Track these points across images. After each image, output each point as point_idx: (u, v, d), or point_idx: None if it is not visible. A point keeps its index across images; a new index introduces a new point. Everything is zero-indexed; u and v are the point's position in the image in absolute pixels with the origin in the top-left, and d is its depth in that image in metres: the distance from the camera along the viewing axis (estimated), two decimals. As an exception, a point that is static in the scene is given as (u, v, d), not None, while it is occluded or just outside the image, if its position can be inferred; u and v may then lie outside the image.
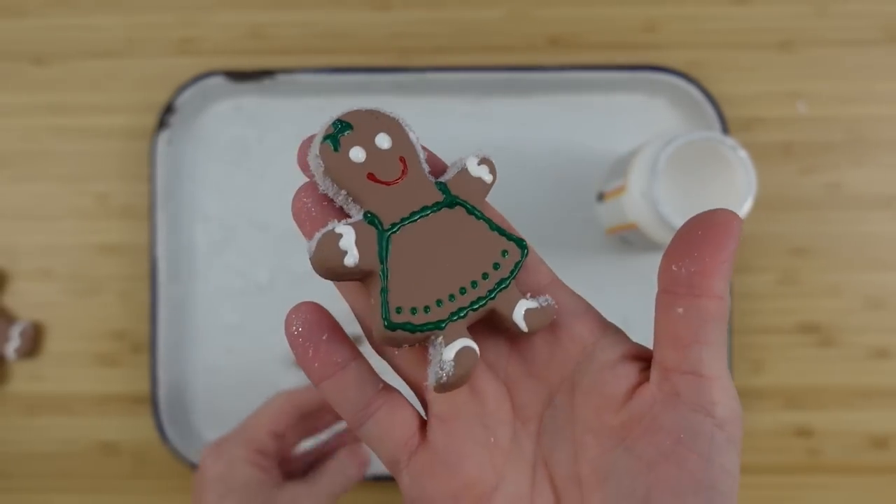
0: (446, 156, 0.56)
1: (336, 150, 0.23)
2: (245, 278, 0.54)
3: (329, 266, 0.23)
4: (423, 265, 0.23)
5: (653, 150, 0.43)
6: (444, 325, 0.23)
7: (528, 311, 0.24)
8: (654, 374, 0.23)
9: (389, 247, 0.23)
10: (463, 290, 0.24)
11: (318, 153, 0.24)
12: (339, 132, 0.24)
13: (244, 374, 0.53)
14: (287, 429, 0.42)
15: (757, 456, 0.53)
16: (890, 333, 0.53)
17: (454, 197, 0.24)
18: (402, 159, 0.24)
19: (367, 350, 0.27)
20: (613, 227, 0.50)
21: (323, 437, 0.47)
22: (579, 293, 0.49)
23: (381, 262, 0.23)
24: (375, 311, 0.23)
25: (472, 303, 0.24)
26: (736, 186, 0.42)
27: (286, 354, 0.53)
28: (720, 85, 0.53)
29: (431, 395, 0.25)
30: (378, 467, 0.52)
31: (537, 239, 0.53)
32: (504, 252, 0.24)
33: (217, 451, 0.41)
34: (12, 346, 0.52)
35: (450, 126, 0.54)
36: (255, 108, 0.54)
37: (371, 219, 0.23)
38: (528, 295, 0.25)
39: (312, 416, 0.44)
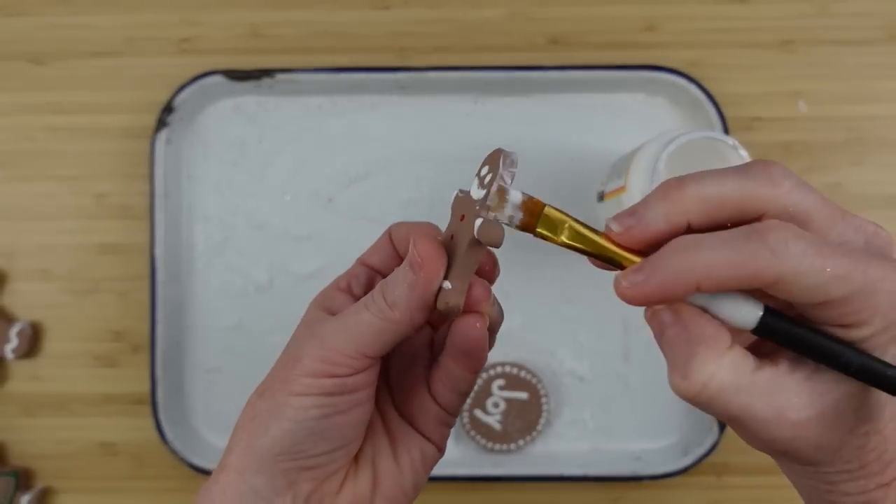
0: (446, 155, 0.57)
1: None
2: (244, 278, 0.54)
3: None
4: None
5: (653, 149, 0.43)
6: None
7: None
8: None
9: None
10: None
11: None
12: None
13: (243, 375, 0.53)
14: (381, 262, 0.32)
15: (758, 456, 0.53)
16: (890, 333, 0.53)
17: None
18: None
19: None
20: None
21: None
22: (580, 293, 0.49)
23: None
24: None
25: None
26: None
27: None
28: (721, 84, 0.53)
29: None
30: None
31: (538, 239, 0.53)
32: None
33: (314, 300, 0.32)
34: (10, 346, 0.52)
35: (450, 126, 0.54)
36: (254, 108, 0.54)
37: None
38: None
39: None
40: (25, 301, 0.54)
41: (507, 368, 0.52)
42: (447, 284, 0.27)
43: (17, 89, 0.54)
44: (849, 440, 0.24)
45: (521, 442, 0.52)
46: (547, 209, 0.26)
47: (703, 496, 0.53)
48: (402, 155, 0.53)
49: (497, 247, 0.26)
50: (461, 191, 0.27)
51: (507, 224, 0.26)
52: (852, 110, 0.53)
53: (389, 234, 0.32)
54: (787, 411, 0.24)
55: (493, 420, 0.52)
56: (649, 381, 0.53)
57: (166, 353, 0.52)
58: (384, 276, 0.30)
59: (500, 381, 0.52)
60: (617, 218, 0.25)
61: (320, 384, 0.27)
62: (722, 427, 0.51)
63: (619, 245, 0.25)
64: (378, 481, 0.30)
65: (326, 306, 0.30)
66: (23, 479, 0.53)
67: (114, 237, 0.54)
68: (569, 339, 0.53)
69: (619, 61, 0.53)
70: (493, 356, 0.53)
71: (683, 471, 0.51)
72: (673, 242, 0.24)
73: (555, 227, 0.26)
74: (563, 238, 0.26)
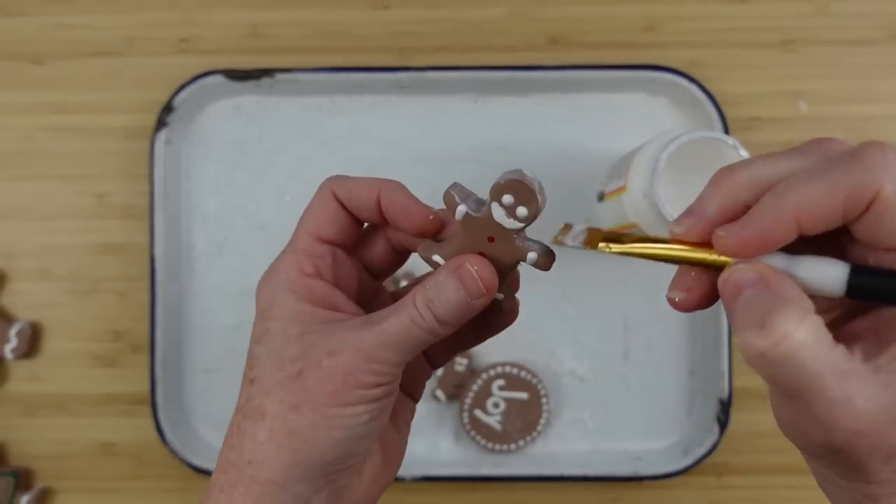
0: (446, 155, 0.56)
1: None
2: (244, 278, 0.53)
3: None
4: None
5: (653, 149, 0.42)
6: None
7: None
8: None
9: None
10: None
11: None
12: None
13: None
14: (339, 234, 0.30)
15: (758, 457, 0.53)
16: (891, 333, 0.53)
17: None
18: None
19: None
20: (614, 228, 0.50)
21: None
22: (580, 293, 0.50)
23: None
24: None
25: None
26: (737, 186, 0.42)
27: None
28: (721, 84, 0.53)
29: None
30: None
31: (538, 239, 0.53)
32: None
33: (266, 273, 0.31)
34: (9, 346, 0.52)
35: (450, 126, 0.53)
36: (254, 108, 0.54)
37: None
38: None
39: (390, 228, 0.31)
40: (25, 301, 0.54)
41: (507, 368, 0.52)
42: (499, 296, 0.29)
43: (17, 89, 0.54)
44: None
45: (521, 442, 0.52)
46: (605, 237, 0.28)
47: (703, 496, 0.53)
48: (402, 155, 0.53)
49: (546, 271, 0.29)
50: (468, 209, 0.27)
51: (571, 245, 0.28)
52: (852, 110, 0.53)
53: (334, 195, 0.30)
54: (857, 398, 0.22)
55: (493, 420, 0.52)
56: (649, 381, 0.53)
57: (166, 353, 0.52)
58: (346, 250, 0.30)
59: (500, 382, 0.52)
60: (676, 221, 0.26)
61: (371, 394, 0.28)
62: (722, 427, 0.51)
63: (688, 244, 0.25)
64: (387, 452, 0.31)
65: (312, 299, 0.29)
66: (22, 480, 0.53)
67: (114, 237, 0.54)
68: (569, 339, 0.53)
69: (619, 61, 0.53)
70: (494, 356, 0.53)
71: (684, 471, 0.51)
72: (767, 193, 0.23)
73: (619, 240, 0.27)
74: (629, 250, 0.27)
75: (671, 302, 0.26)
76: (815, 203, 0.22)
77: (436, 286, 0.28)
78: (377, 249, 0.32)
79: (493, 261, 0.28)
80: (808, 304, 0.22)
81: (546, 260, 0.28)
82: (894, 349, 0.23)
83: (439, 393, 0.52)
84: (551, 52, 0.54)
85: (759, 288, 0.23)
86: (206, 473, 0.51)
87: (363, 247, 0.32)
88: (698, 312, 0.54)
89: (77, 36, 0.54)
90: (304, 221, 0.30)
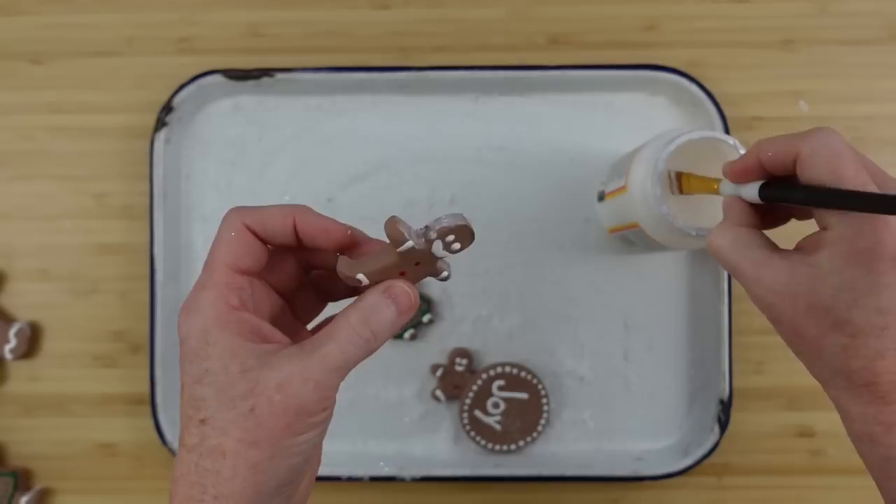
0: (446, 155, 0.56)
1: None
2: (244, 278, 0.53)
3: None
4: None
5: (653, 149, 0.42)
6: None
7: None
8: None
9: None
10: None
11: None
12: None
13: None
14: (255, 263, 0.31)
15: (758, 457, 0.53)
16: (891, 333, 0.53)
17: None
18: None
19: None
20: (614, 227, 0.50)
21: None
22: (580, 293, 0.51)
23: None
24: None
25: None
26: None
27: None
28: (721, 84, 0.53)
29: None
30: (374, 470, 0.52)
31: (538, 239, 0.53)
32: None
33: (187, 309, 0.30)
34: (9, 347, 0.52)
35: (450, 126, 0.53)
36: (253, 108, 0.54)
37: None
38: None
39: (298, 249, 0.33)
40: (24, 301, 0.54)
41: (507, 369, 0.52)
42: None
43: (16, 89, 0.54)
44: (829, 337, 0.30)
45: (521, 442, 0.52)
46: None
47: (703, 497, 0.53)
48: (402, 155, 0.53)
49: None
50: (414, 243, 0.31)
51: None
52: (853, 110, 0.53)
53: (246, 226, 0.31)
54: (765, 278, 0.31)
55: (493, 420, 0.52)
56: (649, 382, 0.53)
57: (166, 353, 0.52)
58: (258, 277, 0.32)
59: (500, 382, 0.52)
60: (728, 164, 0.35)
61: (321, 418, 0.30)
62: (722, 428, 0.51)
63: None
64: (315, 451, 0.34)
65: (245, 333, 0.30)
66: (22, 480, 0.53)
67: (113, 237, 0.54)
68: (569, 339, 0.53)
69: (619, 61, 0.53)
70: (494, 356, 0.53)
71: (684, 471, 0.51)
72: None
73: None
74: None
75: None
76: (772, 152, 0.32)
77: (371, 307, 0.30)
78: (287, 271, 0.33)
79: (411, 276, 0.32)
80: (739, 219, 0.34)
81: (450, 274, 0.33)
82: (805, 247, 0.32)
83: (439, 393, 0.52)
84: (551, 52, 0.54)
85: (725, 207, 0.35)
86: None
87: (272, 271, 0.33)
88: (698, 312, 0.54)
89: (76, 36, 0.54)
90: (217, 253, 0.31)
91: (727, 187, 0.36)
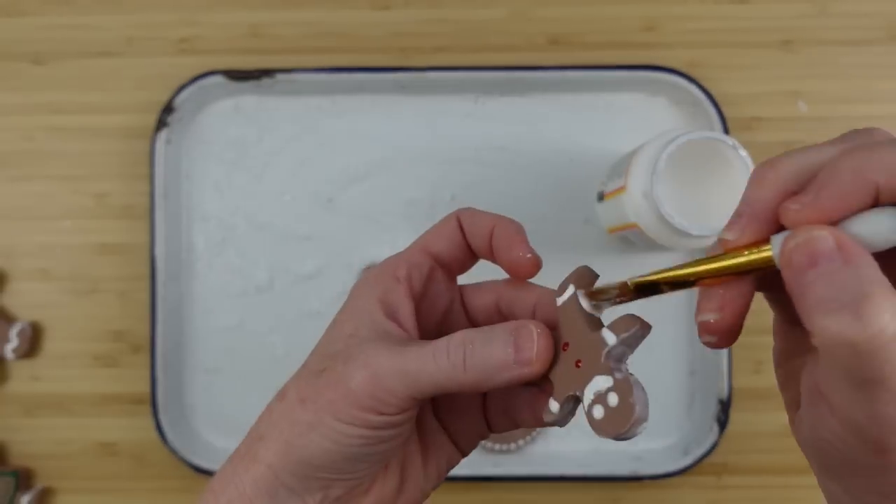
0: (446, 155, 0.56)
1: None
2: (244, 278, 0.54)
3: None
4: None
5: (653, 149, 0.42)
6: None
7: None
8: None
9: None
10: None
11: None
12: None
13: (243, 375, 0.53)
14: (447, 251, 0.30)
15: (758, 456, 0.53)
16: (890, 333, 0.53)
17: None
18: None
19: None
20: (614, 227, 0.50)
21: None
22: None
23: None
24: None
25: None
26: (736, 186, 0.42)
27: (285, 354, 0.53)
28: (720, 84, 0.53)
29: None
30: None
31: (538, 239, 0.53)
32: None
33: (367, 278, 0.29)
34: (10, 346, 0.52)
35: (450, 126, 0.54)
36: (254, 108, 0.54)
37: None
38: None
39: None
40: (25, 301, 0.54)
41: (507, 368, 0.52)
42: (553, 405, 0.28)
43: (17, 89, 0.54)
44: None
45: (521, 442, 0.52)
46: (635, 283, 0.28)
47: (702, 496, 0.53)
48: (402, 155, 0.53)
49: None
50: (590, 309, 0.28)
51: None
52: (852, 110, 0.53)
53: (458, 221, 0.29)
54: None
55: (493, 420, 0.52)
56: (649, 381, 0.53)
57: (166, 353, 0.52)
58: (446, 268, 0.30)
59: (500, 381, 0.52)
60: (727, 228, 0.23)
61: (368, 419, 0.26)
62: (722, 427, 0.51)
63: (744, 247, 0.23)
64: (404, 485, 0.30)
65: (383, 300, 0.28)
66: (23, 479, 0.53)
67: (114, 237, 0.54)
68: (569, 339, 0.53)
69: (618, 61, 0.53)
70: (493, 356, 0.53)
71: (683, 471, 0.51)
72: (837, 157, 0.21)
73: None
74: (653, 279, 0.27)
75: (705, 327, 0.25)
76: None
77: (486, 334, 0.26)
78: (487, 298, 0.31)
79: (565, 359, 0.26)
80: (890, 287, 0.20)
81: (557, 421, 0.27)
82: None
83: (439, 393, 0.52)
84: (551, 52, 0.54)
85: (838, 261, 0.20)
86: (207, 473, 0.51)
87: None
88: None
89: (77, 36, 0.54)
90: (422, 237, 0.30)
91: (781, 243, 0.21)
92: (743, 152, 0.42)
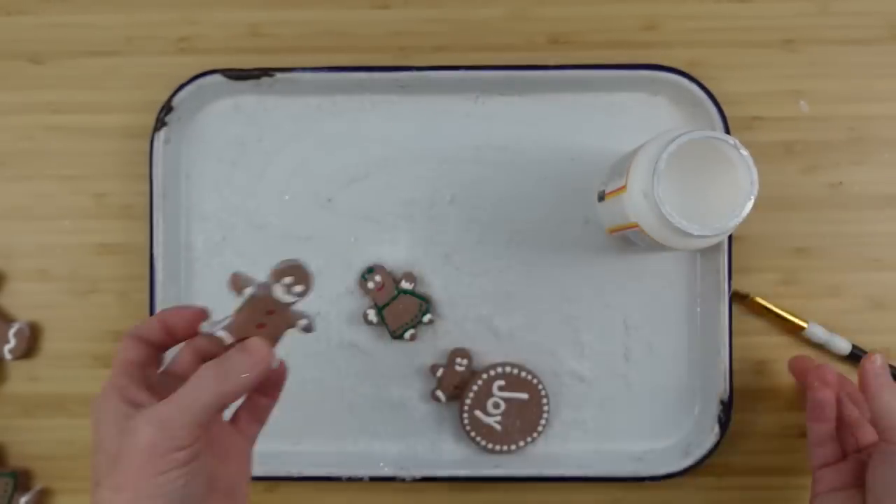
0: (446, 155, 0.56)
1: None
2: (244, 278, 0.53)
3: None
4: None
5: (654, 149, 0.42)
6: None
7: None
8: None
9: None
10: None
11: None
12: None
13: (243, 375, 0.53)
14: (142, 355, 0.37)
15: (758, 457, 0.53)
16: (890, 333, 0.53)
17: None
18: None
19: None
20: (615, 227, 0.50)
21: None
22: (580, 293, 0.50)
23: None
24: None
25: None
26: (738, 186, 0.42)
27: (284, 355, 0.53)
28: (721, 84, 0.53)
29: None
30: (373, 470, 0.52)
31: (538, 239, 0.53)
32: None
33: (94, 407, 0.36)
34: (8, 347, 0.52)
35: (450, 126, 0.53)
36: (253, 108, 0.54)
37: None
38: None
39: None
40: (24, 301, 0.54)
41: (508, 369, 0.52)
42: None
43: (16, 89, 0.54)
44: None
45: (521, 442, 0.52)
46: None
47: (703, 497, 0.53)
48: (402, 155, 0.53)
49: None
50: (253, 290, 0.35)
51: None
52: (853, 110, 0.53)
53: (136, 337, 0.37)
54: None
55: (493, 420, 0.52)
56: (650, 382, 0.53)
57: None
58: (153, 363, 0.37)
59: (501, 382, 0.52)
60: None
61: (176, 458, 0.32)
62: (723, 428, 0.51)
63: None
64: (231, 497, 0.38)
65: (122, 399, 0.34)
66: (21, 480, 0.53)
67: (112, 237, 0.54)
68: (569, 339, 0.53)
69: (619, 60, 0.53)
70: (494, 356, 0.53)
71: (684, 471, 0.51)
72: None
73: None
74: None
75: None
76: None
77: (226, 357, 0.34)
78: (185, 361, 0.39)
79: (271, 330, 0.35)
80: None
81: (311, 325, 0.36)
82: None
83: (439, 393, 0.52)
84: (551, 52, 0.54)
85: None
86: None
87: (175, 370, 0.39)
88: (699, 312, 0.54)
89: (76, 35, 0.54)
90: (115, 360, 0.37)
91: None
92: (744, 152, 0.42)
